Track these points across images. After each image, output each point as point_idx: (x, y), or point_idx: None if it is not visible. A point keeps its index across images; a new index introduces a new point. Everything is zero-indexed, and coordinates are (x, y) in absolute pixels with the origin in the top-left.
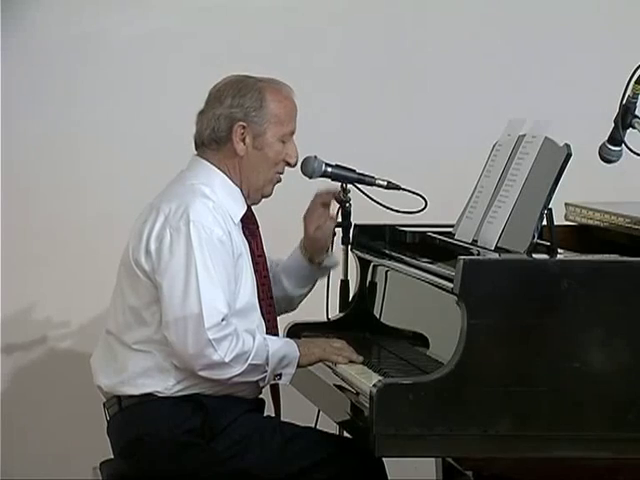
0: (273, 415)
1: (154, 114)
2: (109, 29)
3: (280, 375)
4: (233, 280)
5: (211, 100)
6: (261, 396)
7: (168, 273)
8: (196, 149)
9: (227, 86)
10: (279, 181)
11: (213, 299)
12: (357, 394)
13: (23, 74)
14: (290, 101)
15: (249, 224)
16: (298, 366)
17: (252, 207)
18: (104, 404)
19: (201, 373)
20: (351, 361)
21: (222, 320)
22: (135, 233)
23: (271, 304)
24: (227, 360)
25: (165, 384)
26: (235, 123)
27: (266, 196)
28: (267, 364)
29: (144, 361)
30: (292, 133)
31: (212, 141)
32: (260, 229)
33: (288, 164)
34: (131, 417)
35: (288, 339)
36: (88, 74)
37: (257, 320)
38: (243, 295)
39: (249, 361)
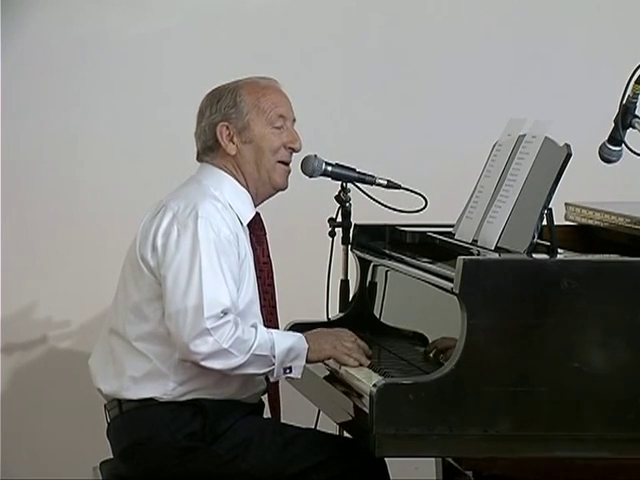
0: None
1: (154, 114)
2: (109, 29)
3: (290, 368)
4: (238, 280)
5: (197, 117)
6: (260, 399)
7: (173, 266)
8: (198, 161)
9: (205, 99)
10: (289, 172)
11: (215, 291)
12: (357, 394)
13: (23, 74)
14: (270, 89)
15: (256, 230)
16: (307, 361)
17: (260, 214)
18: (105, 406)
19: (204, 364)
20: (360, 363)
21: (222, 313)
22: (143, 230)
23: (273, 312)
24: (225, 346)
25: (164, 389)
26: (217, 126)
27: (279, 188)
28: (274, 356)
29: (142, 366)
30: (283, 117)
31: (206, 150)
32: (267, 236)
33: (292, 149)
34: (132, 421)
35: (296, 332)
36: (88, 74)
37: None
38: (243, 298)
39: (252, 351)
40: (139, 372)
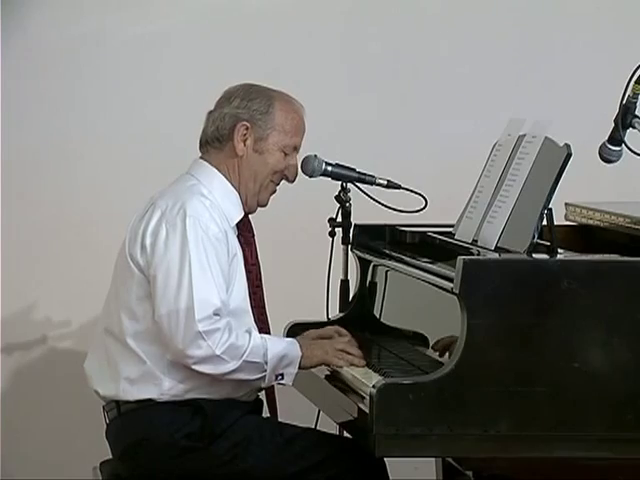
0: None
1: (154, 114)
2: (109, 29)
3: (282, 375)
4: (227, 278)
5: (221, 100)
6: (258, 397)
7: (162, 267)
8: (200, 149)
9: (238, 89)
10: (274, 192)
11: (205, 292)
12: (357, 394)
13: (23, 74)
14: (298, 116)
15: (245, 231)
16: (300, 368)
17: (248, 215)
18: (103, 407)
19: (195, 367)
20: (353, 364)
21: (214, 314)
22: (132, 229)
23: (263, 313)
24: (218, 352)
25: (161, 389)
26: (239, 122)
27: (262, 205)
28: (266, 362)
29: (137, 368)
30: (295, 148)
31: (215, 139)
32: (255, 237)
33: (286, 178)
34: (130, 422)
35: (290, 339)
36: (88, 75)
37: (250, 324)
38: (235, 296)
39: (244, 357)
40: (134, 374)
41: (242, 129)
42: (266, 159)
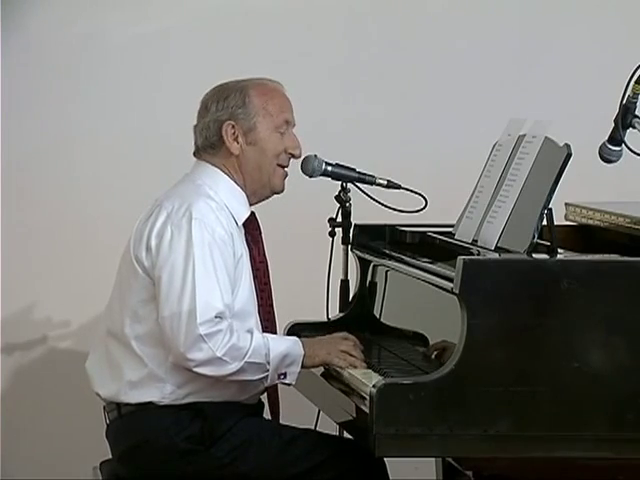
0: (271, 418)
1: (154, 114)
2: (109, 29)
3: (285, 374)
4: (233, 280)
5: (200, 111)
6: (259, 399)
7: (167, 269)
8: (196, 157)
9: (211, 94)
10: (286, 175)
11: (208, 295)
12: (357, 394)
13: (23, 74)
14: (277, 92)
15: (252, 229)
16: (302, 367)
17: (255, 213)
18: (104, 407)
19: (197, 370)
20: (353, 367)
21: (216, 317)
22: (137, 230)
23: (270, 311)
24: (219, 355)
25: (162, 393)
26: (223, 124)
27: (277, 191)
28: (268, 362)
29: (139, 371)
30: (287, 123)
31: (207, 147)
32: (263, 235)
33: (292, 155)
34: (131, 424)
35: (293, 337)
36: (88, 74)
37: (253, 326)
38: (240, 298)
39: (246, 358)
40: (136, 376)
41: (229, 129)
42: (263, 147)
